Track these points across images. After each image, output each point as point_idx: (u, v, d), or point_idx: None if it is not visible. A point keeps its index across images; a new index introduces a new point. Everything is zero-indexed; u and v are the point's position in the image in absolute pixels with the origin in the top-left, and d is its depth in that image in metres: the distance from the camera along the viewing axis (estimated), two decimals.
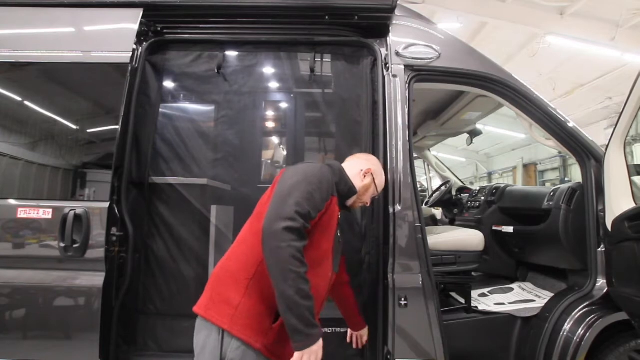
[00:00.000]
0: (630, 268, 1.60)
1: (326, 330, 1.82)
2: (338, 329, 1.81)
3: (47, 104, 1.96)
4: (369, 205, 1.56)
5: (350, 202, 1.44)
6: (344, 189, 1.38)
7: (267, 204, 1.21)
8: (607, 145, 1.79)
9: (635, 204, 1.68)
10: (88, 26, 1.96)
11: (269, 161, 2.69)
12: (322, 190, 1.22)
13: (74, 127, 1.95)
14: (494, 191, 2.99)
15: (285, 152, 2.59)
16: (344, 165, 1.47)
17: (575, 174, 11.19)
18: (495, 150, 15.74)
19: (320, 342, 1.14)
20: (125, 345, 1.78)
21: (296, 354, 1.11)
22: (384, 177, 1.56)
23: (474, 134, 3.70)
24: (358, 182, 1.44)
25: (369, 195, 1.49)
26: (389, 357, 1.68)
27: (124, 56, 1.81)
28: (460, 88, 2.17)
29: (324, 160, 2.55)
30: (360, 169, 1.47)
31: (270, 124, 2.60)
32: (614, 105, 9.31)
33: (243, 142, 2.10)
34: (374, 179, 1.47)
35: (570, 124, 1.98)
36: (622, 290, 1.66)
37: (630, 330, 1.71)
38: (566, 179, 12.12)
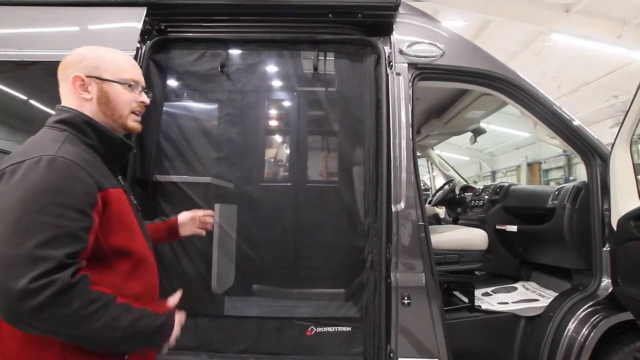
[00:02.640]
0: (635, 268, 1.59)
1: (328, 329, 1.83)
2: (340, 328, 1.82)
3: (51, 102, 1.96)
4: (138, 120, 1.02)
5: (112, 143, 0.94)
6: (99, 140, 0.90)
7: None
8: (613, 144, 1.77)
9: None
10: (92, 25, 1.96)
11: (272, 159, 2.69)
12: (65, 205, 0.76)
13: None
14: (498, 190, 2.98)
15: (288, 151, 2.59)
16: (59, 106, 0.97)
17: (580, 173, 11.12)
18: (499, 149, 15.66)
19: (171, 319, 0.96)
20: None
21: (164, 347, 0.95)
22: (115, 57, 1.02)
23: (477, 132, 3.68)
24: (89, 108, 0.93)
25: (121, 104, 0.95)
26: (391, 355, 1.68)
27: (128, 55, 1.81)
28: (464, 86, 2.16)
29: (327, 161, 2.55)
30: (71, 89, 0.94)
31: (273, 123, 2.60)
32: (620, 104, 9.22)
33: (246, 141, 2.10)
34: (98, 78, 0.93)
35: (576, 123, 1.96)
36: (627, 290, 1.65)
37: (635, 330, 1.70)
38: (571, 178, 12.04)
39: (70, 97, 0.93)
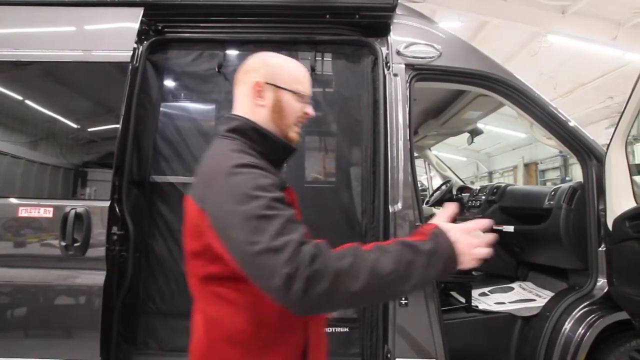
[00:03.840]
0: (630, 267, 1.60)
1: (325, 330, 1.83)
2: (337, 329, 1.82)
3: (48, 103, 1.96)
4: (298, 132, 0.99)
5: (279, 148, 0.94)
6: (267, 146, 0.90)
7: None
8: (608, 145, 1.78)
9: (636, 203, 1.68)
10: (89, 25, 1.95)
11: None
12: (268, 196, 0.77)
13: (75, 126, 1.95)
14: (495, 190, 2.99)
15: None
16: (236, 113, 0.93)
17: (576, 174, 11.18)
18: (496, 150, 15.72)
19: (443, 238, 0.77)
20: (126, 344, 1.78)
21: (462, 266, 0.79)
22: (292, 66, 0.96)
23: (474, 133, 3.70)
24: (260, 114, 0.91)
25: (290, 113, 0.93)
26: (389, 356, 1.68)
27: (125, 55, 1.80)
28: (461, 87, 2.17)
29: (324, 162, 2.55)
30: (248, 91, 0.92)
31: None
32: (615, 105, 9.28)
33: None
34: (275, 86, 0.91)
35: (572, 123, 1.97)
36: (622, 290, 1.66)
37: (630, 330, 1.71)
38: (567, 179, 12.11)
39: (244, 101, 0.93)
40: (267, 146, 0.90)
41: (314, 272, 0.67)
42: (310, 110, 0.97)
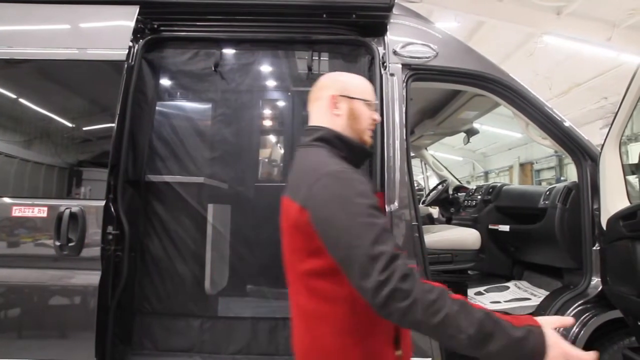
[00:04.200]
0: (624, 266, 1.62)
1: None
2: None
3: (42, 101, 1.94)
4: (371, 135, 1.09)
5: (358, 152, 1.03)
6: (348, 151, 0.99)
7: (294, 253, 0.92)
8: (603, 145, 1.80)
9: (630, 202, 1.69)
10: (83, 23, 1.94)
11: (267, 160, 2.68)
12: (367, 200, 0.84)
13: (70, 124, 1.93)
14: (491, 190, 3.01)
15: (282, 151, 2.59)
16: (313, 124, 1.03)
17: (571, 173, 11.26)
18: (492, 150, 15.80)
19: (538, 338, 0.75)
20: (121, 344, 1.77)
21: None
22: (358, 80, 1.08)
23: (470, 133, 3.71)
24: (338, 122, 1.01)
25: (363, 121, 1.04)
26: None
27: (120, 53, 1.79)
28: (457, 87, 2.17)
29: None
30: (325, 104, 1.02)
31: (267, 123, 2.60)
32: (610, 105, 9.35)
33: (240, 141, 2.10)
34: (348, 97, 1.02)
35: (567, 124, 1.99)
36: (616, 289, 1.68)
37: (624, 328, 1.73)
38: (562, 178, 12.20)
39: (323, 114, 1.04)
40: (348, 151, 1.01)
41: (400, 289, 0.75)
42: (377, 116, 1.09)
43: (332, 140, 1.00)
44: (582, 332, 1.75)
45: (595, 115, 9.78)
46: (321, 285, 0.88)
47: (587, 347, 1.74)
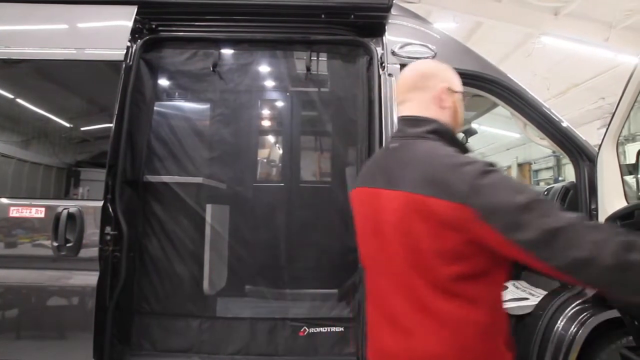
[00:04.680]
0: None
1: (321, 329, 1.83)
2: (333, 328, 1.82)
3: (40, 101, 1.94)
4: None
5: (462, 149, 0.98)
6: (457, 147, 0.93)
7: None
8: (600, 145, 1.80)
9: (627, 202, 1.70)
10: (81, 23, 1.93)
11: (265, 160, 2.68)
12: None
13: (67, 125, 1.93)
14: None
15: (281, 151, 2.59)
16: (415, 114, 0.96)
17: (569, 174, 11.30)
18: (490, 150, 15.83)
19: None
20: (119, 344, 1.77)
21: None
22: (455, 73, 1.02)
23: (469, 133, 3.70)
24: (444, 116, 0.97)
25: (461, 113, 1.03)
26: None
27: (118, 54, 1.79)
28: None
29: (319, 162, 2.53)
30: (432, 95, 0.96)
31: (266, 123, 2.60)
32: (607, 106, 9.37)
33: (239, 141, 2.10)
34: (453, 90, 0.98)
35: (564, 124, 1.99)
36: None
37: (621, 328, 1.74)
38: (560, 178, 12.24)
39: (430, 106, 0.97)
40: (455, 147, 0.94)
41: (628, 242, 0.71)
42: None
43: (445, 135, 0.93)
44: (581, 331, 1.75)
45: (593, 116, 9.82)
46: (467, 289, 0.83)
47: (585, 347, 1.75)
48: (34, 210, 1.67)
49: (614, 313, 1.75)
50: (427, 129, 0.93)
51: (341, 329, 1.80)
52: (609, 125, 1.76)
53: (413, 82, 0.99)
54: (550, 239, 0.73)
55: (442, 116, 0.97)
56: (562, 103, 9.25)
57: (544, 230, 0.74)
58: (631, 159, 1.82)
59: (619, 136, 1.77)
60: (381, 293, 0.93)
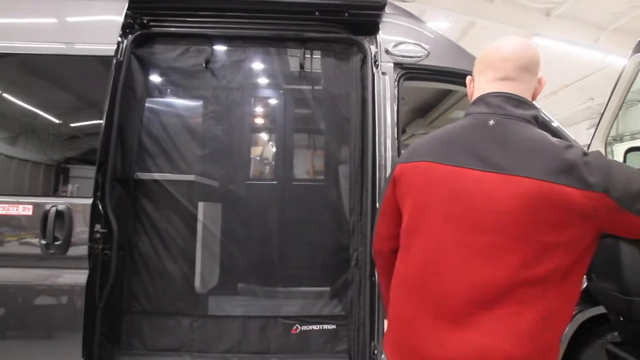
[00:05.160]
0: (607, 262, 1.65)
1: (313, 327, 1.84)
2: (325, 326, 1.82)
3: (28, 96, 1.90)
4: None
5: None
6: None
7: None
8: (589, 145, 1.83)
9: None
10: (71, 17, 1.90)
11: (258, 157, 2.67)
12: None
13: (56, 121, 1.89)
14: None
15: (273, 149, 2.58)
16: (520, 94, 0.92)
17: None
18: None
19: None
20: (109, 344, 1.75)
21: None
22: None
23: None
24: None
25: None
26: (375, 352, 1.69)
27: (109, 49, 1.76)
28: (448, 87, 2.19)
29: (312, 160, 2.53)
30: (534, 85, 0.96)
31: (259, 120, 2.58)
32: (596, 106, 9.53)
33: (231, 138, 2.08)
34: (541, 82, 0.99)
35: (554, 124, 2.02)
36: (600, 285, 1.71)
37: (607, 323, 1.77)
38: None
39: (531, 92, 0.94)
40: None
41: None
42: None
43: (541, 125, 0.92)
44: (568, 327, 1.78)
45: (582, 116, 9.97)
46: (570, 280, 0.82)
47: (572, 342, 1.78)
48: (22, 208, 1.64)
49: (600, 309, 1.78)
50: (533, 113, 0.89)
51: (333, 326, 1.80)
52: (597, 125, 1.80)
53: (526, 62, 0.92)
54: None
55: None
56: (553, 103, 9.38)
57: None
58: (619, 159, 1.86)
59: (607, 136, 1.80)
60: (447, 293, 0.82)
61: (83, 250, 1.63)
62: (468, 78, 1.01)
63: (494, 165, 0.82)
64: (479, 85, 0.96)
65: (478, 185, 0.82)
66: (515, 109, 0.88)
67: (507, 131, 0.85)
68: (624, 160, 1.83)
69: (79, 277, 1.62)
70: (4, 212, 1.63)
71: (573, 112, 9.92)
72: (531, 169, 0.80)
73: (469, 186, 0.82)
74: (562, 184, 0.78)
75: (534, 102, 0.94)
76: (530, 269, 0.78)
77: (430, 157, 0.89)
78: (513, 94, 0.90)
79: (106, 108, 1.71)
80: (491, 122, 0.87)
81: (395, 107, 1.85)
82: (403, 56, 1.90)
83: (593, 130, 1.83)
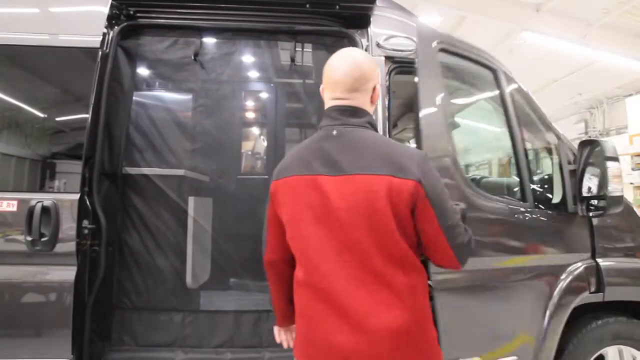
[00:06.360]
0: None
1: None
2: None
3: (11, 90, 1.84)
4: None
5: None
6: None
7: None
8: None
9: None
10: (55, 7, 1.84)
11: (249, 152, 2.65)
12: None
13: (41, 115, 1.84)
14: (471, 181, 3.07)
15: (265, 143, 2.56)
16: (357, 106, 1.05)
17: (547, 166, 11.64)
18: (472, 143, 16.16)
19: None
20: (99, 340, 1.74)
21: None
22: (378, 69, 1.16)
23: (451, 126, 3.77)
24: (371, 110, 1.11)
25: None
26: None
27: (94, 40, 1.71)
28: None
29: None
30: (370, 95, 1.08)
31: (249, 114, 2.56)
32: (584, 101, 9.70)
33: (221, 132, 2.06)
34: (377, 88, 1.10)
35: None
36: None
37: (591, 313, 1.82)
38: (538, 171, 12.62)
39: (366, 101, 1.07)
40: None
41: (473, 242, 1.02)
42: None
43: (375, 126, 1.08)
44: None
45: (570, 111, 10.13)
46: (413, 260, 0.97)
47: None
48: (6, 204, 1.60)
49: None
50: (367, 119, 1.05)
51: None
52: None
53: (352, 85, 1.04)
54: (454, 227, 0.98)
55: (371, 110, 1.09)
56: (541, 98, 9.50)
57: (452, 219, 0.98)
58: None
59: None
60: (331, 284, 0.94)
61: (71, 246, 1.60)
62: (321, 87, 1.11)
63: (340, 168, 0.96)
64: (325, 99, 1.09)
65: (329, 187, 0.96)
66: (350, 118, 1.03)
67: (347, 137, 1.01)
68: (579, 151, 1.88)
69: (68, 273, 1.59)
70: None
71: (561, 107, 10.07)
72: (365, 165, 0.96)
73: (326, 190, 0.95)
74: (392, 175, 0.94)
75: (369, 109, 1.08)
76: (387, 252, 0.94)
77: (295, 171, 1.02)
78: (347, 106, 1.05)
79: (92, 101, 1.67)
80: (334, 132, 1.02)
81: (387, 101, 1.85)
82: (394, 50, 1.89)
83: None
